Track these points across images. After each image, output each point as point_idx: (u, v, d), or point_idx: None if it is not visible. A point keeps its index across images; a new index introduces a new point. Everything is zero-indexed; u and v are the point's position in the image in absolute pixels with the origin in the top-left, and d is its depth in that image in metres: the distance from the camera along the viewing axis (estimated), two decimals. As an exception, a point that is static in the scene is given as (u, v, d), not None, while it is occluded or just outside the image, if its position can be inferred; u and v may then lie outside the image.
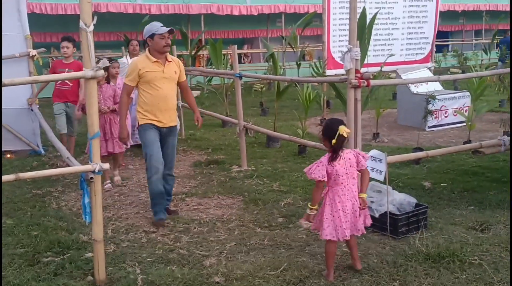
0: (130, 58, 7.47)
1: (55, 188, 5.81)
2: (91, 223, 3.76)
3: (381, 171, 4.28)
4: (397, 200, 4.39)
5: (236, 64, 6.86)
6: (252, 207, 5.09)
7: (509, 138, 5.92)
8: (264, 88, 12.01)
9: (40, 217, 4.85)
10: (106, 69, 5.52)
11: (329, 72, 9.44)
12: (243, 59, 20.23)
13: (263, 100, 11.97)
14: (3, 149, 7.19)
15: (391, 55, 9.17)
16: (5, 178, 3.77)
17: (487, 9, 21.41)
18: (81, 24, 3.75)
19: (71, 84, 6.96)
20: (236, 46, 7.07)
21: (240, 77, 6.56)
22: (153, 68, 4.67)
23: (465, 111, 8.56)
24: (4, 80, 3.70)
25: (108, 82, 6.09)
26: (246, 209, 5.08)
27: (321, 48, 10.22)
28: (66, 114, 6.96)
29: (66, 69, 6.67)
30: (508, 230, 4.27)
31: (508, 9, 21.33)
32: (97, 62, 3.78)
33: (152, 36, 4.65)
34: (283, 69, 14.67)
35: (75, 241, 4.25)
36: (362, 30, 6.41)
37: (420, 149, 6.57)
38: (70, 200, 5.45)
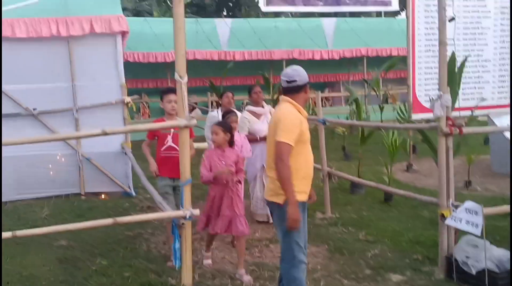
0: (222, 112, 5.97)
1: (145, 230, 6.02)
2: (180, 267, 3.85)
3: (477, 225, 4.05)
4: (496, 256, 4.12)
5: (320, 109, 6.88)
6: (338, 257, 4.98)
7: None
8: (346, 132, 11.90)
9: (132, 258, 5.03)
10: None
11: (415, 116, 9.18)
12: (324, 102, 20.30)
13: (345, 144, 11.85)
14: (98, 190, 7.61)
15: (483, 99, 8.81)
16: (103, 222, 4.00)
17: None
18: (176, 76, 3.97)
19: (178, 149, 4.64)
20: (319, 91, 7.10)
21: (324, 123, 6.56)
22: (307, 124, 3.69)
23: None
24: (106, 129, 3.97)
25: (231, 145, 4.71)
26: (331, 258, 4.97)
27: (405, 91, 10.02)
28: (174, 190, 4.96)
29: (172, 131, 4.91)
30: None
31: None
32: (190, 111, 3.96)
33: (305, 85, 3.68)
34: (366, 114, 14.51)
35: (164, 284, 4.35)
36: (452, 76, 6.23)
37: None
38: (159, 243, 5.61)
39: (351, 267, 4.67)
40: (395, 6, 19.96)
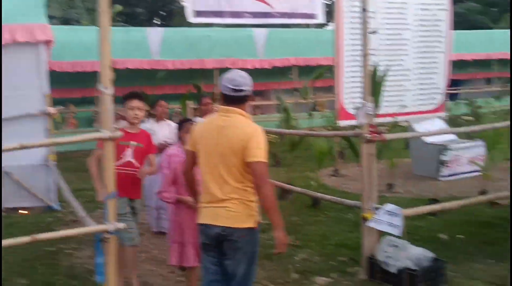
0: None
1: (68, 245, 5.80)
2: (103, 283, 3.75)
3: (397, 226, 4.24)
4: (414, 255, 4.32)
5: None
6: (266, 263, 5.02)
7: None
8: (277, 140, 12.06)
9: (53, 275, 4.83)
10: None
11: (341, 123, 9.48)
12: (255, 110, 20.52)
13: (276, 151, 12.01)
14: (19, 205, 7.25)
15: (404, 106, 9.22)
16: (20, 240, 3.81)
17: (497, 57, 21.59)
18: (101, 87, 3.88)
19: (138, 165, 4.40)
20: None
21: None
22: None
23: (480, 161, 8.49)
24: (24, 143, 3.80)
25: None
26: (260, 265, 4.98)
27: (333, 99, 10.33)
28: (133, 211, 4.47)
29: (132, 143, 4.38)
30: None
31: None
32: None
33: (252, 94, 3.41)
34: (295, 120, 14.79)
35: (88, 300, 4.21)
36: (375, 85, 6.51)
37: (436, 200, 6.49)
38: (84, 258, 5.43)
39: (278, 273, 4.74)
40: (321, 19, 20.50)
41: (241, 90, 3.17)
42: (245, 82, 3.21)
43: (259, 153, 3.07)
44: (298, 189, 6.50)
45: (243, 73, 3.25)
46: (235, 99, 3.19)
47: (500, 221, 6.02)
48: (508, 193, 5.69)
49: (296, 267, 4.86)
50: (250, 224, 3.17)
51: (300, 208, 7.22)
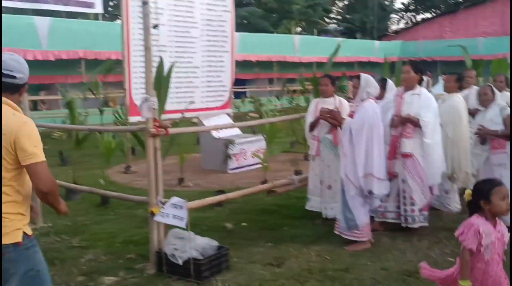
0: None
1: None
2: None
3: (182, 218, 4.33)
4: (200, 245, 4.47)
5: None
6: (49, 268, 4.67)
7: (298, 177, 6.54)
8: (63, 136, 11.36)
9: None
10: None
11: (132, 119, 9.35)
12: (40, 105, 18.95)
13: (62, 149, 11.29)
14: None
15: (192, 102, 9.49)
16: None
17: (277, 59, 23.72)
18: None
19: None
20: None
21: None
22: None
23: (262, 153, 9.21)
24: None
25: None
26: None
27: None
28: None
29: None
30: (299, 263, 4.66)
31: (296, 60, 23.94)
32: None
33: (25, 85, 2.80)
34: (84, 116, 14.08)
35: None
36: (161, 80, 6.54)
37: (222, 192, 6.84)
38: None
39: (62, 277, 4.45)
40: (98, 8, 19.93)
41: (12, 76, 2.64)
42: (20, 68, 2.67)
43: (38, 152, 2.57)
44: (85, 188, 6.20)
45: (18, 57, 2.70)
46: (4, 87, 2.64)
47: (277, 208, 6.63)
48: (283, 181, 6.29)
49: (82, 269, 4.63)
50: (12, 239, 2.60)
51: (88, 207, 6.91)
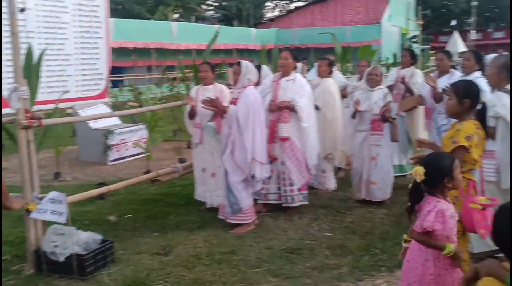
0: None
1: None
2: None
3: (62, 213, 4.13)
4: (82, 240, 4.32)
5: None
6: None
7: (182, 164, 6.54)
8: None
9: None
10: None
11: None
12: None
13: None
14: None
15: (66, 91, 9.01)
16: None
17: (155, 47, 23.24)
18: None
19: None
20: None
21: None
22: None
23: (143, 143, 9.05)
24: None
25: None
26: None
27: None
28: None
29: None
30: (187, 250, 4.70)
31: (175, 47, 23.62)
32: None
33: None
34: None
35: None
36: (30, 68, 6.11)
37: (104, 184, 6.62)
38: None
39: None
40: None
41: None
42: None
43: None
44: None
45: None
46: None
47: (161, 197, 6.58)
48: (167, 170, 6.25)
49: None
50: None
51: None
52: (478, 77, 5.15)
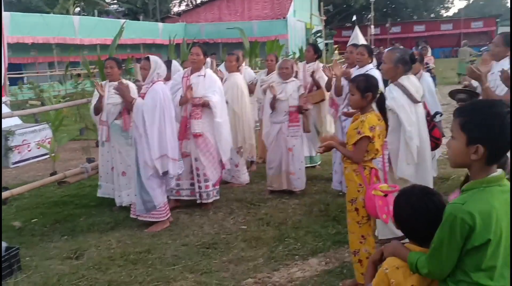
0: None
1: None
2: None
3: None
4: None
5: None
6: None
7: (90, 164, 6.33)
8: None
9: None
10: None
11: None
12: None
13: None
14: None
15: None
16: None
17: (56, 42, 22.12)
18: None
19: None
20: None
21: None
22: None
23: (48, 143, 8.62)
24: None
25: None
26: None
27: None
28: None
29: None
30: (100, 252, 4.57)
31: (78, 42, 22.61)
32: None
33: None
34: None
35: None
36: None
37: (6, 188, 6.23)
38: None
39: None
40: None
41: None
42: None
43: None
44: None
45: None
46: None
47: (70, 199, 6.32)
48: (75, 170, 6.02)
49: None
50: None
51: None
52: (371, 69, 5.48)
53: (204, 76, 5.66)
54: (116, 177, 5.65)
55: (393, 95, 4.03)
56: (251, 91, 7.13)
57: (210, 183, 5.70)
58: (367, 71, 5.34)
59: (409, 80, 4.13)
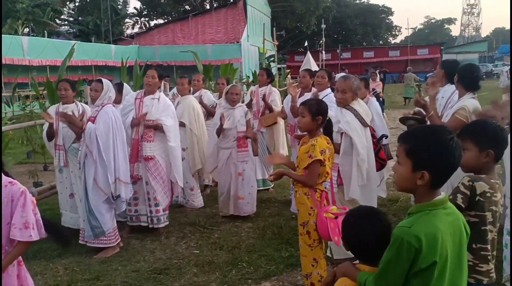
0: None
1: None
2: None
3: None
4: None
5: None
6: None
7: (37, 188, 6.13)
8: None
9: None
10: None
11: None
12: None
13: None
14: None
15: None
16: None
17: (4, 62, 21.50)
18: None
19: None
20: None
21: None
22: None
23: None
24: None
25: None
26: None
27: None
28: None
29: None
30: (46, 280, 4.40)
31: (26, 63, 22.02)
32: None
33: None
34: None
35: None
36: None
37: None
38: None
39: None
40: None
41: None
42: None
43: None
44: None
45: None
46: None
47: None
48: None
49: None
50: None
51: None
52: (330, 93, 5.63)
53: (158, 99, 5.63)
54: (79, 203, 5.38)
55: (346, 119, 4.17)
56: (211, 114, 7.11)
57: (160, 208, 5.60)
58: (326, 95, 5.53)
59: (359, 105, 4.31)
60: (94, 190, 4.92)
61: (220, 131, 6.03)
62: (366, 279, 2.10)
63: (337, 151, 4.16)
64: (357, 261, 2.31)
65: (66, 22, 42.03)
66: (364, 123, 4.23)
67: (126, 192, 5.09)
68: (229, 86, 6.53)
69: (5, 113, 17.60)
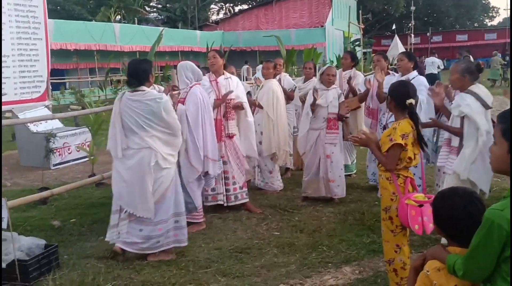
0: None
1: None
2: None
3: (2, 218, 3.99)
4: (25, 245, 4.18)
5: None
6: None
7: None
8: None
9: None
10: None
11: None
12: None
13: None
14: None
15: (3, 94, 8.67)
16: None
17: (98, 48, 22.71)
18: None
19: None
20: None
21: None
22: None
23: (87, 146, 8.82)
24: None
25: None
26: None
27: None
28: None
29: None
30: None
31: (118, 49, 23.14)
32: None
33: None
34: None
35: None
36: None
37: (46, 189, 6.42)
38: None
39: None
40: None
41: None
42: None
43: None
44: None
45: None
46: None
47: (107, 200, 6.43)
48: (110, 172, 6.13)
49: None
50: None
51: None
52: (416, 76, 5.48)
53: (231, 78, 5.83)
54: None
55: (467, 102, 4.17)
56: (291, 98, 7.14)
57: (237, 186, 5.78)
58: (414, 77, 5.46)
59: (479, 88, 4.31)
60: (187, 168, 5.11)
61: (313, 106, 5.97)
62: (456, 261, 2.04)
63: (457, 134, 4.23)
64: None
65: (154, 9, 43.53)
66: (486, 106, 4.22)
67: (215, 169, 5.26)
68: (324, 67, 6.47)
69: (99, 96, 18.65)
